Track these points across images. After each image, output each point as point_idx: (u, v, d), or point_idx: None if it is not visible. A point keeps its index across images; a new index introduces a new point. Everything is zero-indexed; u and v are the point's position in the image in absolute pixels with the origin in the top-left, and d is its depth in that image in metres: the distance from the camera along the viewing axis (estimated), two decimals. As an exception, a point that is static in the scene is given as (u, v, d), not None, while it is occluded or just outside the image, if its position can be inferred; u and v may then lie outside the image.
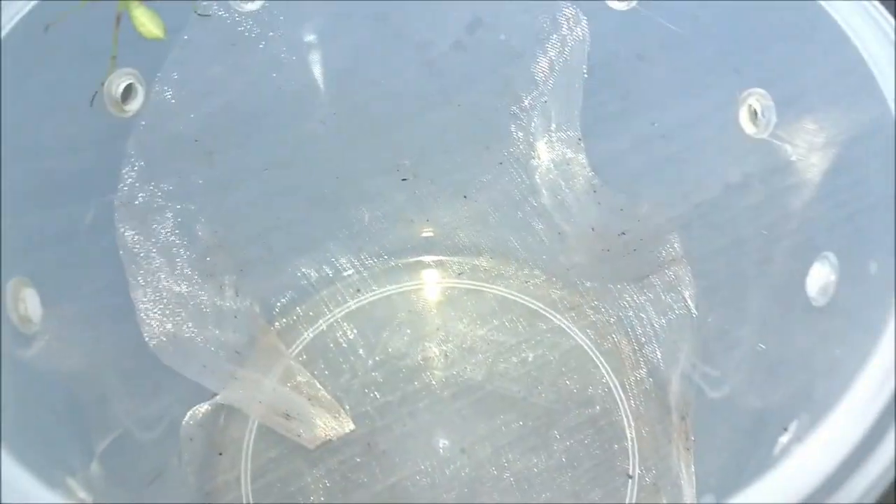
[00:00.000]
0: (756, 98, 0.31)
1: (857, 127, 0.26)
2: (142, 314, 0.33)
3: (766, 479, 0.19)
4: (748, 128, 0.32)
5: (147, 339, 0.33)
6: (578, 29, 0.35)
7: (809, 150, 0.28)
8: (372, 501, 0.38)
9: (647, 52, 0.36)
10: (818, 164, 0.28)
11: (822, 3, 0.27)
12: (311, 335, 0.44)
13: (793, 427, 0.26)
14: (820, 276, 0.28)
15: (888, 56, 0.25)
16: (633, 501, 0.38)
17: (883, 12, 0.27)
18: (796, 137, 0.29)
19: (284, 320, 0.44)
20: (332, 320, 0.44)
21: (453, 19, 0.38)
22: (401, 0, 0.37)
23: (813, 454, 0.19)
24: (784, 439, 0.27)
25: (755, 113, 0.31)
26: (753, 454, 0.31)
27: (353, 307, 0.44)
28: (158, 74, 0.32)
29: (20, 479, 0.20)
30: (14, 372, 0.26)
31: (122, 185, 0.32)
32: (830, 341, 0.26)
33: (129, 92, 0.31)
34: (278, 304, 0.44)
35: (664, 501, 0.38)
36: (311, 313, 0.44)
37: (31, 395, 0.28)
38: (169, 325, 0.34)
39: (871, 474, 0.19)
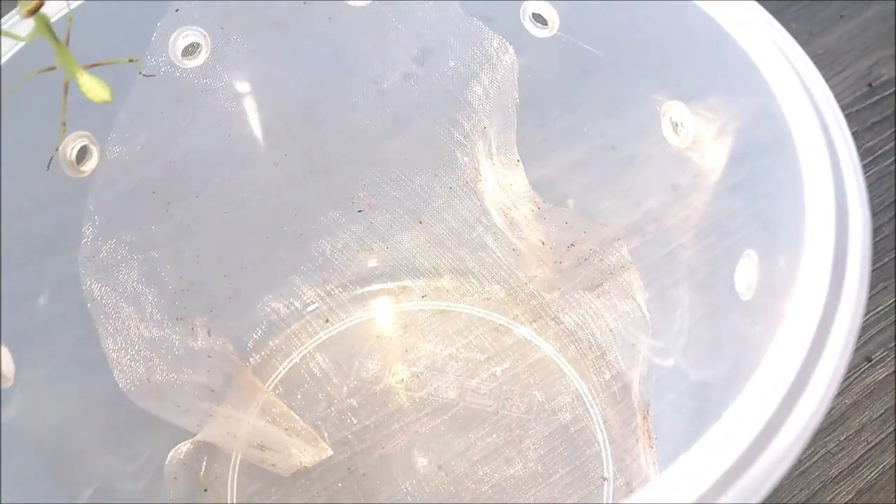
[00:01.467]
0: (676, 110, 0.33)
1: (762, 136, 0.28)
2: (114, 362, 0.34)
3: (692, 450, 0.21)
4: (671, 139, 0.34)
5: (121, 385, 0.35)
6: (506, 57, 0.36)
7: (723, 156, 0.30)
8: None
9: (591, 69, 0.38)
10: (731, 170, 0.30)
11: (700, 4, 0.29)
12: (285, 368, 0.45)
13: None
14: (745, 274, 0.30)
15: (787, 75, 0.27)
16: (610, 503, 0.39)
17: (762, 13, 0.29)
18: (711, 145, 0.31)
19: (258, 356, 0.45)
20: (304, 352, 0.45)
21: (402, 51, 0.39)
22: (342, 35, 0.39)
23: (728, 430, 0.21)
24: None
25: (676, 125, 0.33)
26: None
27: (324, 337, 0.46)
28: (111, 134, 0.33)
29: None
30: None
31: (84, 240, 0.33)
32: (755, 329, 0.28)
33: (83, 153, 0.32)
34: (251, 340, 0.45)
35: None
36: (283, 347, 0.45)
37: (12, 449, 0.29)
38: (141, 371, 0.36)
39: (785, 441, 0.21)
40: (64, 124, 0.28)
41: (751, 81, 0.27)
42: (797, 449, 0.21)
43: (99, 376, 0.34)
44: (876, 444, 0.41)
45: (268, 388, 0.44)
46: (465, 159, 0.41)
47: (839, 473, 0.40)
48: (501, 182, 0.41)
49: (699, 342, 0.35)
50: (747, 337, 0.29)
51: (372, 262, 0.47)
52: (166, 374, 0.37)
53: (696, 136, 0.32)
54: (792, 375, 0.22)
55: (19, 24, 0.29)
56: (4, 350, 0.29)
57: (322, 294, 0.46)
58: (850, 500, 0.40)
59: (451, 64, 0.38)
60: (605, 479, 0.40)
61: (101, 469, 0.36)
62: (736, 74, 0.28)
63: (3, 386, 0.28)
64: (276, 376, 0.45)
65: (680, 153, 0.33)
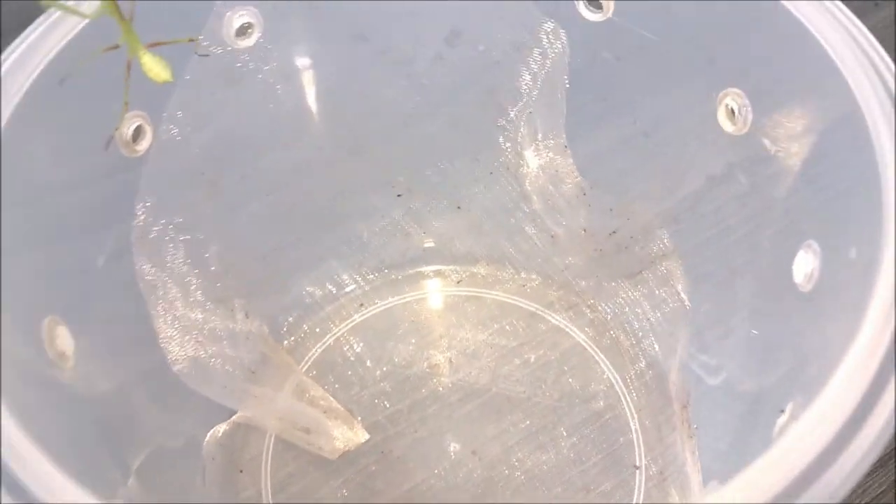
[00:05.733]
0: (732, 98, 0.33)
1: (827, 117, 0.27)
2: (163, 341, 0.34)
3: (764, 458, 0.20)
4: (727, 126, 0.33)
5: (170, 364, 0.35)
6: (558, 43, 0.36)
7: (786, 143, 0.30)
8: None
9: (625, 54, 0.38)
10: (796, 156, 0.30)
11: (785, 3, 0.29)
12: (319, 351, 0.45)
13: (789, 408, 0.28)
14: (805, 264, 0.30)
15: (850, 49, 0.27)
16: (642, 491, 0.39)
17: (843, 9, 0.28)
18: (773, 131, 0.31)
19: (293, 338, 0.45)
20: (338, 335, 0.45)
21: (431, 32, 0.39)
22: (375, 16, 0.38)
23: (807, 431, 0.20)
24: (782, 420, 0.28)
25: (732, 112, 0.33)
26: (753, 437, 0.33)
27: (358, 321, 0.46)
28: (164, 114, 0.33)
29: (73, 493, 0.21)
30: (57, 397, 0.27)
31: (136, 221, 0.33)
32: (819, 323, 0.27)
33: (138, 133, 0.32)
34: (286, 323, 0.45)
35: (671, 490, 0.39)
36: (317, 329, 0.45)
37: (73, 417, 0.29)
38: (189, 350, 0.35)
39: (863, 446, 0.20)
40: (126, 103, 0.28)
41: (820, 67, 0.27)
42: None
43: (148, 352, 0.34)
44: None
45: (301, 370, 0.44)
46: (508, 144, 0.41)
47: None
48: (545, 167, 0.41)
49: (751, 337, 0.35)
50: (806, 332, 0.29)
51: (408, 247, 0.46)
52: (211, 354, 0.37)
53: (755, 121, 0.32)
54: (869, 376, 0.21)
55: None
56: (64, 329, 0.28)
57: (357, 277, 0.46)
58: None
59: (499, 47, 0.38)
60: (637, 467, 0.40)
61: (148, 439, 0.36)
62: (799, 56, 0.28)
63: (65, 365, 0.28)
64: (309, 359, 0.45)
65: (734, 141, 0.33)
